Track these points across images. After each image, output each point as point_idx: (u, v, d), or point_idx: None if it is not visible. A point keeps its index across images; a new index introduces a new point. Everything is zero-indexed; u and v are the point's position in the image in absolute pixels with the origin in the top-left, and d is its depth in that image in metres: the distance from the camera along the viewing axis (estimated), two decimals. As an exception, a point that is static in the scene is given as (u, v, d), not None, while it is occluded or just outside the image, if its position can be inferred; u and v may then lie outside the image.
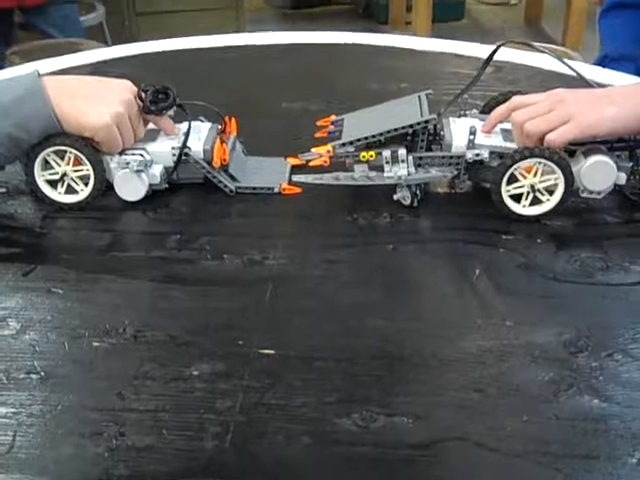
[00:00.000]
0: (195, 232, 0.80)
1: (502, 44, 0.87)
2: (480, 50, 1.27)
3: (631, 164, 0.80)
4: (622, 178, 0.80)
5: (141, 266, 0.75)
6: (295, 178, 0.86)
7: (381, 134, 0.81)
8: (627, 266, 0.73)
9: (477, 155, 0.80)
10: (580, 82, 0.88)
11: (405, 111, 0.85)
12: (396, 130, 0.81)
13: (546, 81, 1.13)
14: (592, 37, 3.34)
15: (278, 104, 1.09)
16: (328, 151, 0.82)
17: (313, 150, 0.84)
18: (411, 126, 0.81)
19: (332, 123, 0.91)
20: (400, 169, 0.81)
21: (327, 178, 0.84)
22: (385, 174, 0.81)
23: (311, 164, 0.83)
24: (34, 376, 0.62)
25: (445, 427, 0.56)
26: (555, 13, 3.74)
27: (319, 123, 0.92)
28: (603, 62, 1.37)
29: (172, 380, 0.61)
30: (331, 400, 0.59)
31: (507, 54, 1.25)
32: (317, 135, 0.91)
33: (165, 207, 0.85)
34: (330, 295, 0.70)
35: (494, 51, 0.87)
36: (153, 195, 0.85)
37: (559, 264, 0.74)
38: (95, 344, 0.65)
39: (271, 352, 0.63)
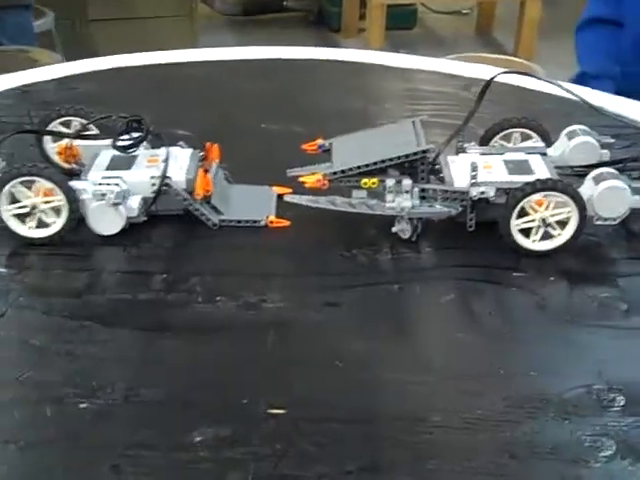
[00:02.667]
0: (182, 271, 0.74)
1: (498, 74, 0.82)
2: (460, 68, 1.23)
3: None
4: (638, 201, 0.76)
5: (126, 312, 0.68)
6: (288, 198, 0.80)
7: (375, 163, 0.76)
8: (648, 307, 0.69)
9: (482, 193, 0.75)
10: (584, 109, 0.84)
11: (400, 138, 0.79)
12: (392, 160, 0.76)
13: (536, 102, 1.09)
14: (544, 48, 3.37)
15: (257, 125, 1.03)
16: (318, 180, 0.77)
17: (302, 179, 0.78)
18: (407, 156, 0.76)
19: (319, 147, 0.85)
20: (404, 200, 0.76)
21: (323, 202, 0.78)
22: (387, 204, 0.76)
23: (306, 186, 0.78)
24: (12, 446, 0.54)
25: (482, 499, 0.51)
26: (507, 23, 3.74)
27: (304, 147, 0.86)
28: (582, 79, 1.34)
29: (173, 449, 0.54)
30: (351, 469, 0.53)
31: (479, 71, 1.20)
32: (305, 147, 0.85)
33: (146, 242, 0.78)
34: (336, 343, 0.65)
35: (488, 83, 0.82)
36: (131, 228, 0.78)
37: (576, 305, 0.70)
38: (81, 406, 0.58)
39: (280, 412, 0.57)
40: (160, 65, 1.22)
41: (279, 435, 0.55)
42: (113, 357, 0.63)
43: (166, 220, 0.80)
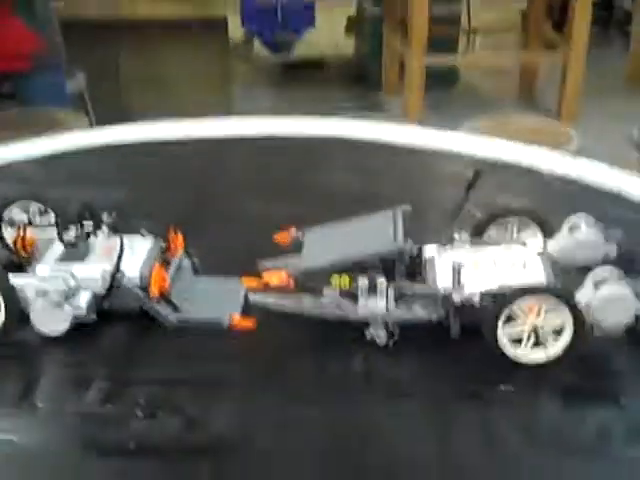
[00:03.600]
0: (126, 379, 0.66)
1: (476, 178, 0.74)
2: (477, 146, 1.14)
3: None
4: None
5: (54, 427, 0.61)
6: (253, 297, 0.72)
7: (344, 262, 0.68)
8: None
9: (466, 299, 0.66)
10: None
11: (377, 233, 0.72)
12: (363, 258, 0.68)
13: (545, 186, 0.99)
14: (589, 108, 3.27)
15: (236, 207, 0.95)
16: (282, 280, 0.69)
17: (265, 277, 0.70)
18: (380, 254, 0.68)
19: (292, 238, 0.77)
20: (377, 303, 0.67)
21: (290, 304, 0.70)
22: (359, 308, 0.68)
23: (271, 285, 0.70)
24: None
25: None
26: (550, 82, 3.65)
27: (276, 238, 0.78)
28: None
29: None
30: None
31: (498, 150, 1.12)
32: (277, 238, 0.78)
33: (92, 345, 0.70)
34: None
35: (474, 181, 0.74)
36: (80, 328, 0.71)
37: (572, 429, 0.60)
38: None
39: None
40: (162, 143, 1.16)
41: None
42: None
43: (122, 319, 0.73)
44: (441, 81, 3.81)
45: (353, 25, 4.22)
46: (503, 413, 0.62)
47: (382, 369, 0.67)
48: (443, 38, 3.55)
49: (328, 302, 0.69)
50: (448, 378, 0.66)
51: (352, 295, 0.69)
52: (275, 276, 0.69)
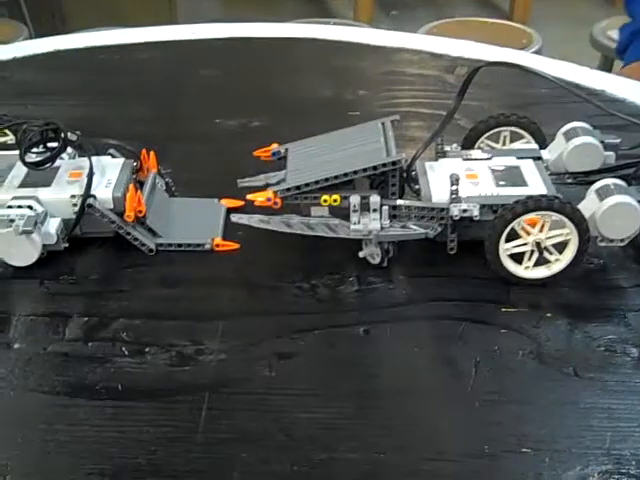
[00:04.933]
0: (107, 312, 0.61)
1: (479, 67, 0.69)
2: (446, 46, 1.09)
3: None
4: None
5: (34, 369, 0.56)
6: (235, 218, 0.67)
7: (336, 177, 0.63)
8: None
9: (465, 211, 0.63)
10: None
11: (367, 146, 0.67)
12: (356, 173, 0.63)
13: (532, 86, 0.95)
14: (543, 8, 3.21)
15: (210, 122, 0.89)
16: (269, 199, 0.64)
17: (249, 197, 0.65)
18: (374, 168, 0.63)
19: (273, 154, 0.72)
20: (371, 221, 0.64)
21: (276, 222, 0.66)
22: (352, 226, 0.64)
23: (256, 203, 0.65)
24: None
25: None
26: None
27: (256, 154, 0.73)
28: (630, 38, 1.21)
29: None
30: None
31: (466, 49, 1.07)
32: (257, 154, 0.73)
33: (68, 274, 0.65)
34: (286, 411, 0.53)
35: (469, 78, 0.69)
36: (50, 257, 0.66)
37: (578, 351, 0.58)
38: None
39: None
40: (106, 48, 1.08)
41: None
42: (10, 433, 0.51)
43: (95, 245, 0.68)
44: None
45: None
46: (509, 338, 0.59)
47: (375, 290, 0.64)
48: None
49: (317, 222, 0.65)
50: (447, 299, 0.63)
51: (342, 213, 0.65)
52: (261, 195, 0.64)
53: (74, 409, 0.53)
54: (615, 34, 1.75)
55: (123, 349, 0.58)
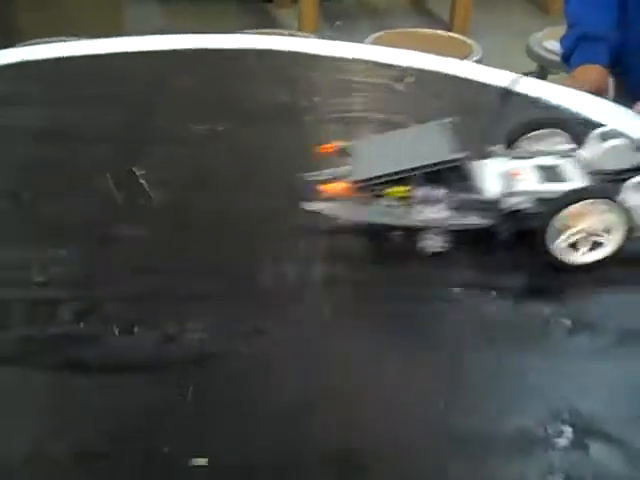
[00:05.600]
0: (96, 294, 0.68)
1: (515, 81, 0.77)
2: (396, 57, 1.17)
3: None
4: None
5: (34, 349, 0.62)
6: (308, 204, 0.73)
7: (407, 171, 0.70)
8: None
9: (516, 204, 0.71)
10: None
11: (431, 144, 0.74)
12: (425, 168, 0.70)
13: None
14: (481, 18, 3.32)
15: (185, 126, 0.96)
16: (344, 188, 0.71)
17: (323, 188, 0.72)
18: (442, 164, 0.71)
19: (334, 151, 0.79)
20: (437, 211, 0.71)
21: (345, 212, 0.72)
22: (417, 216, 0.71)
23: (328, 194, 0.72)
24: None
25: None
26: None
27: (321, 149, 0.79)
28: (576, 43, 1.29)
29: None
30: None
31: (414, 59, 1.15)
32: (320, 149, 0.79)
33: (54, 261, 0.71)
34: (265, 385, 0.60)
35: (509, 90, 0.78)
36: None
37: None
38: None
39: (203, 462, 0.52)
40: (72, 58, 1.13)
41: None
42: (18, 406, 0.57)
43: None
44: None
45: None
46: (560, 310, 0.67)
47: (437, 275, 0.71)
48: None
49: (383, 210, 0.72)
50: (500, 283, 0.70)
51: (406, 204, 0.71)
52: (336, 185, 0.71)
53: (75, 384, 0.59)
54: (550, 45, 1.86)
55: (115, 329, 0.64)
